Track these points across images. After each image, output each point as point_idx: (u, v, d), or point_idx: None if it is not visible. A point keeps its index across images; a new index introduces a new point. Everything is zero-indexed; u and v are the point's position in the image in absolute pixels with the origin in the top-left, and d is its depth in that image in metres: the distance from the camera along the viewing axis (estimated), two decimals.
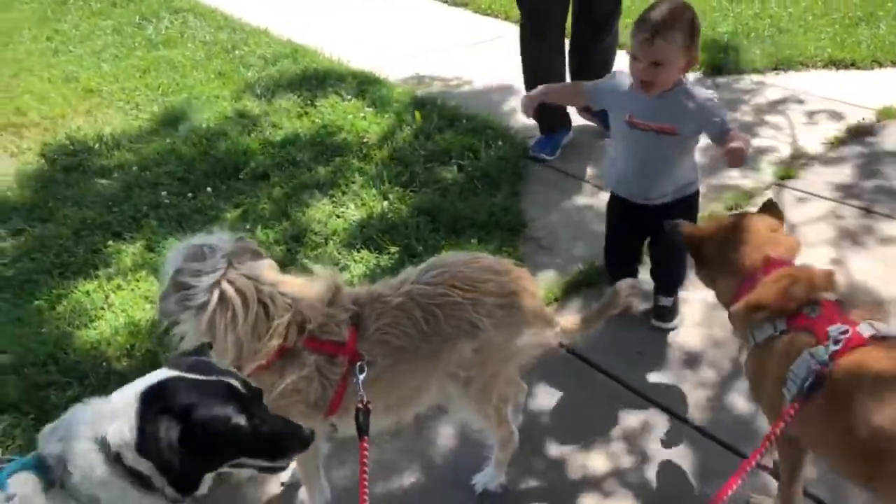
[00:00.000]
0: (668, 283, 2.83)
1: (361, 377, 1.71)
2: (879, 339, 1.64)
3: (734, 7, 6.21)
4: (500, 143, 4.15)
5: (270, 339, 1.73)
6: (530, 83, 4.01)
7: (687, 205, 2.68)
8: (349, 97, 4.84)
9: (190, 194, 3.80)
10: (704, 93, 2.55)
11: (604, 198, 3.62)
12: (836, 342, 1.64)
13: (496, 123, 4.41)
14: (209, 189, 3.82)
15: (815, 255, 3.11)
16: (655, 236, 2.73)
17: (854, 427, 1.58)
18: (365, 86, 5.04)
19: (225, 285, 1.72)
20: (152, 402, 1.33)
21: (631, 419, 2.47)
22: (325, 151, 4.17)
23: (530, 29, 3.94)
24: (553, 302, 2.92)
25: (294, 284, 1.84)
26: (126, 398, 1.35)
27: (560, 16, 3.89)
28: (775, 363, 1.77)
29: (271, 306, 1.75)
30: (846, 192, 3.59)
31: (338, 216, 3.57)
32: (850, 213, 3.41)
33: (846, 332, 1.65)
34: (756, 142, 4.11)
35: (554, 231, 3.46)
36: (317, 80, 5.17)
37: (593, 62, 4.03)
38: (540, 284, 2.96)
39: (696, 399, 2.53)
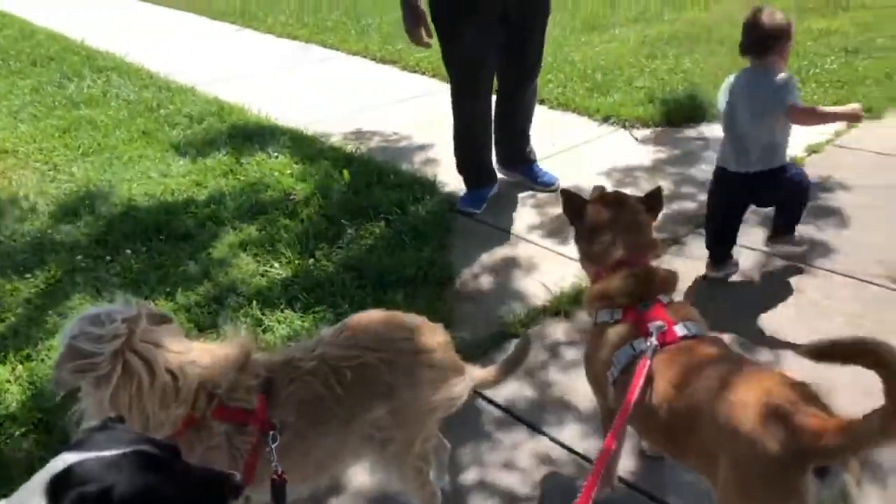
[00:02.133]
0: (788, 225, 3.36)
1: (274, 446, 1.66)
2: (690, 338, 1.89)
3: (649, 63, 6.50)
4: (427, 197, 4.19)
5: (177, 410, 1.67)
6: (463, 136, 4.12)
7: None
8: (276, 154, 4.83)
9: (108, 257, 3.69)
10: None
11: (527, 248, 3.71)
12: (653, 337, 1.87)
13: (424, 178, 4.45)
14: (128, 251, 3.71)
15: (725, 297, 3.21)
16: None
17: (657, 409, 1.80)
18: (293, 143, 5.05)
19: (129, 355, 1.65)
20: (61, 494, 1.20)
21: (564, 474, 2.44)
22: (250, 209, 4.12)
23: (464, 88, 4.01)
24: (479, 355, 2.91)
25: (202, 351, 1.78)
26: (30, 495, 1.17)
27: (491, 69, 4.00)
28: (605, 347, 2.02)
29: (178, 375, 1.69)
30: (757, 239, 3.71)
31: (262, 275, 3.51)
32: (761, 260, 3.53)
33: (663, 328, 1.89)
34: (676, 188, 4.26)
35: (481, 283, 3.48)
36: (244, 138, 5.15)
37: (518, 107, 4.22)
38: (466, 336, 2.99)
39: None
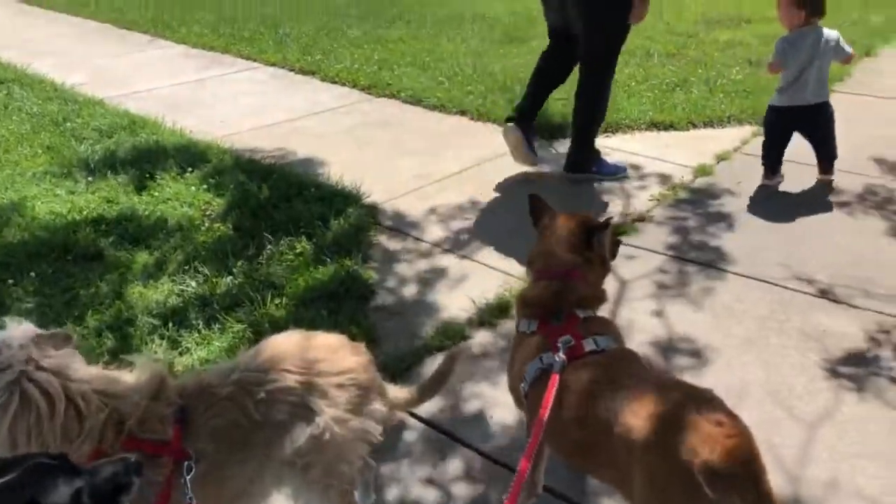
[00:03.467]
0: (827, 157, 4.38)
1: (189, 477, 1.59)
2: (597, 353, 1.94)
3: None
4: (350, 209, 4.15)
5: (83, 443, 1.58)
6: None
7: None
8: (192, 169, 4.69)
9: (11, 280, 3.49)
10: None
11: (451, 260, 3.71)
12: (561, 352, 1.91)
13: (346, 191, 4.40)
14: (32, 274, 3.52)
15: (644, 307, 3.30)
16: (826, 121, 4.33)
17: (567, 427, 1.84)
18: (209, 156, 4.91)
19: (26, 384, 1.56)
20: None
21: (489, 487, 2.44)
22: (164, 227, 3.98)
23: (610, 73, 4.45)
24: (403, 370, 2.89)
25: (110, 378, 1.70)
26: None
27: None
28: (519, 359, 2.07)
29: (82, 405, 1.60)
30: (673, 247, 3.83)
31: (178, 295, 3.40)
32: (678, 267, 3.64)
33: (570, 343, 1.93)
34: (589, 203, 4.35)
35: (404, 297, 3.46)
36: (157, 153, 4.97)
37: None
38: (389, 352, 2.97)
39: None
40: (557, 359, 1.90)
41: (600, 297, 2.17)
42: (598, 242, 2.15)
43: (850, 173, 4.51)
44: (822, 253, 3.67)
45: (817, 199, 4.28)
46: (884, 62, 6.99)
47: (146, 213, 4.13)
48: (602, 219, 2.25)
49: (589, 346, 1.94)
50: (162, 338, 3.05)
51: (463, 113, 5.93)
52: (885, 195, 4.30)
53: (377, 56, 7.56)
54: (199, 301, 3.32)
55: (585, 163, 4.62)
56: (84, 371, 1.66)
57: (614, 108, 5.60)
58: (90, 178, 4.59)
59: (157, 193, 4.40)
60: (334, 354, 1.89)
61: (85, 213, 4.13)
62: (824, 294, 3.33)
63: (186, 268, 3.59)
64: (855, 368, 2.86)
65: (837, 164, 4.39)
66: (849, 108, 5.49)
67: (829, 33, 4.16)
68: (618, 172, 4.65)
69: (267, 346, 1.88)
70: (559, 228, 2.22)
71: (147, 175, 4.61)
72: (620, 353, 1.99)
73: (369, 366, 1.96)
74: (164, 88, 6.88)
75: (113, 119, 5.68)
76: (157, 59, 8.07)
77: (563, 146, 5.05)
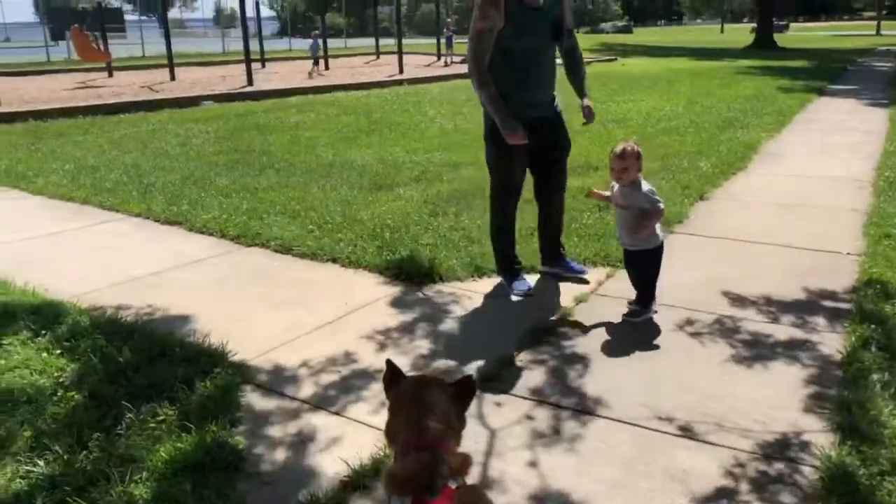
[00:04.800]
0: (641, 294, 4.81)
1: None
2: None
3: (433, 221, 6.94)
4: (217, 370, 4.02)
5: None
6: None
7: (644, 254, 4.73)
8: (45, 332, 4.42)
9: None
10: (644, 189, 4.59)
11: (323, 419, 3.63)
12: None
13: (211, 349, 4.28)
14: None
15: (512, 456, 3.34)
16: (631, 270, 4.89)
17: None
18: (63, 317, 4.66)
19: None
20: None
21: None
22: (10, 399, 3.68)
23: (503, 192, 5.31)
24: None
25: None
26: None
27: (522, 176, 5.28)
28: None
29: None
30: (537, 391, 3.95)
31: (22, 478, 3.10)
32: (546, 412, 3.75)
33: None
34: (457, 348, 4.46)
35: (275, 462, 3.33)
36: (5, 315, 4.67)
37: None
38: None
39: None
40: None
41: (468, 463, 2.17)
42: (466, 407, 2.19)
43: (696, 311, 4.90)
44: (678, 390, 3.90)
45: (670, 336, 4.59)
46: (716, 205, 7.79)
47: None
48: (461, 377, 2.31)
49: None
50: None
51: (334, 260, 6.01)
52: (730, 326, 4.68)
53: (246, 205, 7.61)
54: (48, 483, 3.05)
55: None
56: None
57: (480, 253, 5.89)
58: None
59: (2, 361, 4.09)
60: None
61: None
62: (684, 432, 3.52)
63: (34, 445, 3.31)
64: None
65: (684, 299, 4.75)
66: (689, 248, 6.05)
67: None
68: (529, 291, 5.26)
69: None
70: (422, 397, 2.21)
71: None
72: None
73: None
74: (15, 243, 6.56)
75: None
76: (8, 210, 7.73)
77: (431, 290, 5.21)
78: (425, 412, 2.17)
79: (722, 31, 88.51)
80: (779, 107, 15.49)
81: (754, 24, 55.57)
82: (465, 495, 2.05)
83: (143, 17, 48.22)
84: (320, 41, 29.32)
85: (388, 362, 2.36)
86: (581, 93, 5.35)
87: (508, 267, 5.42)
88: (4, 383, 3.83)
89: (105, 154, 10.67)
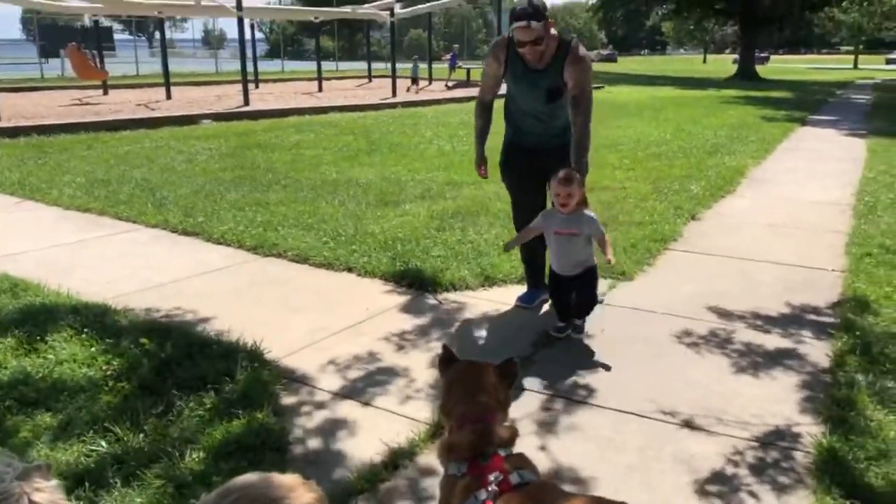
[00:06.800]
0: (581, 312, 5.03)
1: None
2: (522, 485, 2.19)
3: (441, 235, 7.28)
4: (255, 364, 4.31)
5: None
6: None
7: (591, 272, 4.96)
8: (86, 330, 4.69)
9: None
10: (591, 214, 4.85)
11: (355, 409, 3.94)
12: (493, 485, 2.16)
13: (247, 347, 4.57)
14: None
15: (533, 443, 3.67)
16: (577, 290, 4.96)
17: None
18: (100, 318, 4.93)
19: None
20: None
21: None
22: (65, 388, 3.96)
23: (513, 209, 5.63)
24: None
25: None
26: None
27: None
28: (458, 497, 2.25)
29: None
30: (551, 386, 4.29)
31: (87, 456, 3.38)
32: (559, 405, 4.08)
33: (500, 478, 2.18)
34: (472, 350, 4.78)
35: (317, 447, 3.63)
36: (45, 315, 4.93)
37: None
38: None
39: None
40: (490, 490, 2.14)
41: (515, 434, 2.46)
42: (513, 386, 2.52)
43: (693, 320, 5.27)
44: (680, 388, 4.25)
45: (670, 343, 4.95)
46: (707, 224, 8.21)
47: (40, 375, 4.09)
48: (505, 359, 2.61)
49: (516, 479, 2.20)
50: (79, 499, 3.03)
51: (350, 270, 6.33)
52: (726, 335, 5.05)
53: (260, 218, 7.92)
54: (114, 459, 3.32)
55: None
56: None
57: (489, 264, 6.24)
58: None
59: (50, 356, 4.35)
60: (293, 492, 2.08)
61: None
62: (688, 423, 3.86)
63: (95, 427, 3.58)
64: (720, 486, 3.34)
65: (681, 310, 5.10)
66: (684, 264, 6.43)
67: None
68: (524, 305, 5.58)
69: (232, 486, 2.04)
70: (474, 376, 2.53)
71: (37, 338, 4.57)
72: (542, 483, 2.29)
73: (324, 500, 2.16)
74: (40, 251, 6.82)
75: None
76: (29, 220, 7.98)
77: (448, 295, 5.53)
78: (477, 390, 2.50)
79: (704, 61, 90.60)
80: (763, 135, 16.10)
81: (736, 56, 56.99)
82: (513, 461, 2.36)
83: (135, 37, 48.44)
84: (421, 64, 32.57)
85: (444, 346, 2.69)
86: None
87: (527, 275, 5.77)
88: (56, 374, 4.10)
89: (113, 168, 10.94)
